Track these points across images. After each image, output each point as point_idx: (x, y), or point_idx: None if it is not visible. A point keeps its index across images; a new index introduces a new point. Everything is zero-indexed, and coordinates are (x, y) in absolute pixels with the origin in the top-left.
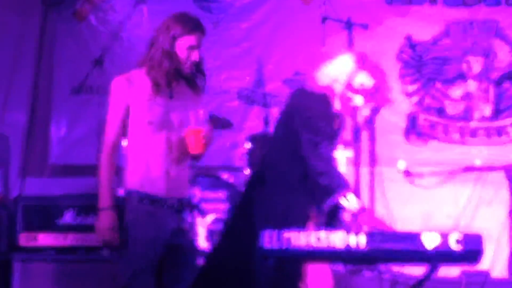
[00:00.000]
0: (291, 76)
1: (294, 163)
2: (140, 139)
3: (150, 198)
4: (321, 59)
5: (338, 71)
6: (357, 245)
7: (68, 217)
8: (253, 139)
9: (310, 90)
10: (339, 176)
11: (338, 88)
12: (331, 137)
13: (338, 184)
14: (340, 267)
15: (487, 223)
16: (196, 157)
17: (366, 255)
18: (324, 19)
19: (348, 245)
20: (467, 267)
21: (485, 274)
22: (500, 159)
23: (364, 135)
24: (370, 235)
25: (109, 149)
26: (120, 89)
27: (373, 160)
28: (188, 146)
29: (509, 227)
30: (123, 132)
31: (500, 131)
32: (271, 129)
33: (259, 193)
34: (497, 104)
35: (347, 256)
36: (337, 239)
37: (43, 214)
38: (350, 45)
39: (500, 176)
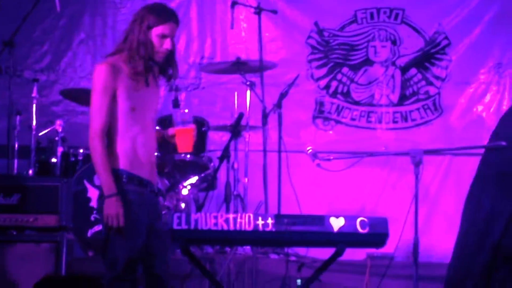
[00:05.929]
0: (199, 60)
1: None
2: (125, 124)
3: (138, 180)
4: (229, 43)
5: None
6: (265, 227)
7: None
8: (160, 122)
9: None
10: None
11: None
12: None
13: None
14: (247, 249)
15: (393, 207)
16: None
17: (274, 237)
18: (233, 4)
19: (256, 227)
20: (372, 250)
21: (390, 258)
22: (405, 143)
23: (272, 119)
24: (277, 218)
25: (101, 135)
26: (108, 76)
27: (280, 144)
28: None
29: (414, 211)
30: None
31: (406, 116)
32: (180, 111)
33: None
34: (403, 90)
35: (255, 238)
36: (245, 221)
37: None
38: (259, 30)
39: (406, 160)
